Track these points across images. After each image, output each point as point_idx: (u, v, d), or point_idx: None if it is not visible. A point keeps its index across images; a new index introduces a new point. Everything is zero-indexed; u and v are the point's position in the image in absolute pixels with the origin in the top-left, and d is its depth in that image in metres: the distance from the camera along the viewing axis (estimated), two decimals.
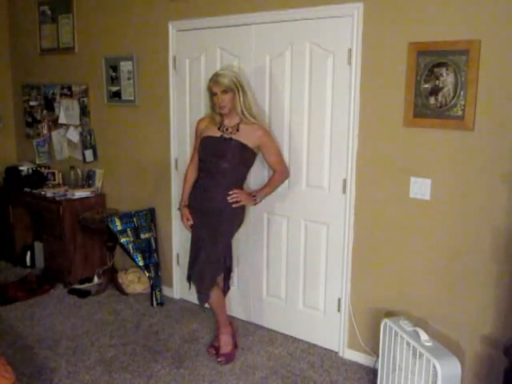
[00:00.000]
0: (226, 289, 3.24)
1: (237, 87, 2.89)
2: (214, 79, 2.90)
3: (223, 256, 3.04)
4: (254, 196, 3.02)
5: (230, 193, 2.92)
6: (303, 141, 3.20)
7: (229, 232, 3.06)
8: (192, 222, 3.05)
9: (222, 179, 2.93)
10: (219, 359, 3.11)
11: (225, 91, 2.86)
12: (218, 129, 2.97)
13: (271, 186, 3.07)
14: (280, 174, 3.08)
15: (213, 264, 2.99)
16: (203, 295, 3.04)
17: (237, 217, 3.05)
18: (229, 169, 2.92)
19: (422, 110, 2.69)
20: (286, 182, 3.30)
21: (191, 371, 3.03)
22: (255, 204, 3.08)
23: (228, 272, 3.19)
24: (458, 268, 2.70)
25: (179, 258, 4.03)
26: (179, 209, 3.17)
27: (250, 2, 3.27)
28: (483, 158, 2.55)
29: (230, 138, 2.93)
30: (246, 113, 2.93)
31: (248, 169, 3.07)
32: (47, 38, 4.71)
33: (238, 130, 2.94)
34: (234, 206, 2.93)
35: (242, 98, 2.91)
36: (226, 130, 2.95)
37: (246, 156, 2.96)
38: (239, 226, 3.14)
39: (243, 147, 2.92)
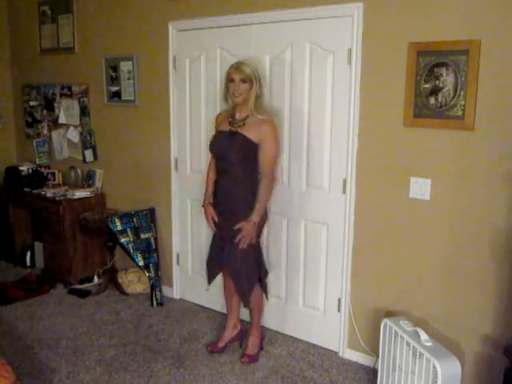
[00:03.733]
0: (265, 292, 3.21)
1: (256, 80, 2.86)
2: (236, 66, 2.87)
3: (251, 258, 2.98)
4: (251, 221, 2.87)
5: (240, 246, 2.87)
6: (303, 141, 3.20)
7: (261, 224, 3.01)
8: (217, 219, 3.02)
9: (235, 174, 2.89)
10: (242, 359, 3.12)
11: (243, 80, 2.82)
12: (229, 123, 2.94)
13: (260, 201, 2.88)
14: (264, 181, 2.88)
15: (247, 264, 2.95)
16: (247, 296, 3.01)
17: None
18: (237, 163, 2.87)
19: (422, 110, 2.69)
20: (286, 181, 3.31)
21: (191, 371, 3.03)
22: (255, 225, 2.91)
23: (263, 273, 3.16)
24: (457, 268, 2.70)
25: (179, 258, 4.03)
26: (203, 206, 3.13)
27: (250, 1, 3.27)
28: (483, 158, 2.55)
29: (236, 132, 2.88)
30: (254, 108, 2.87)
31: (257, 161, 2.91)
32: (47, 38, 4.71)
33: (244, 124, 2.88)
34: (243, 242, 2.87)
35: (256, 93, 2.87)
36: (236, 123, 2.91)
37: (251, 150, 2.87)
38: (264, 221, 3.07)
39: (247, 141, 2.85)
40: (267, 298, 3.25)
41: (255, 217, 2.87)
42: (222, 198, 2.97)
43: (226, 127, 2.95)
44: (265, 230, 3.29)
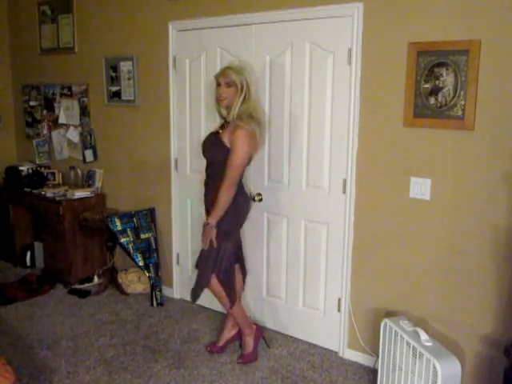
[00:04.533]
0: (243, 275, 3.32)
1: (241, 86, 2.82)
2: (223, 69, 2.90)
3: (224, 253, 2.95)
4: (209, 224, 2.86)
5: (203, 247, 2.95)
6: (303, 141, 3.20)
7: (230, 227, 2.96)
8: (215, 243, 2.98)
9: (215, 175, 2.89)
10: (238, 360, 3.13)
11: (228, 84, 2.83)
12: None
13: (216, 204, 2.82)
14: (222, 184, 2.79)
15: (209, 262, 2.94)
16: (197, 293, 3.04)
17: (236, 211, 2.94)
18: (215, 164, 2.89)
19: (422, 110, 2.69)
20: (286, 181, 3.31)
21: (191, 371, 3.03)
22: (211, 227, 2.87)
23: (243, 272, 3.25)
24: (457, 268, 2.70)
25: (179, 258, 4.03)
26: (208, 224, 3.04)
27: (250, 1, 3.27)
28: (483, 158, 2.55)
29: (217, 133, 2.92)
30: (237, 114, 2.82)
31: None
32: (47, 37, 4.71)
33: (225, 127, 2.90)
34: (208, 245, 2.90)
35: (240, 100, 2.82)
36: (221, 125, 2.96)
37: (223, 152, 2.82)
38: (243, 218, 3.07)
39: (220, 143, 2.84)
40: (233, 300, 3.05)
41: (211, 219, 2.85)
42: (207, 199, 2.99)
43: (216, 128, 3.00)
44: (243, 231, 3.26)
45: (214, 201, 2.84)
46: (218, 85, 2.88)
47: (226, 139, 2.84)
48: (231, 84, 2.83)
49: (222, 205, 2.82)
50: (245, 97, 2.84)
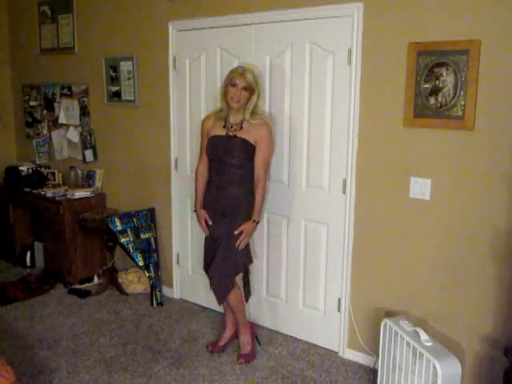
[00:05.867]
0: (246, 293, 3.20)
1: (257, 88, 2.91)
2: (240, 72, 2.87)
3: (241, 254, 3.00)
4: (254, 221, 2.96)
5: (237, 241, 2.92)
6: (303, 141, 3.20)
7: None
8: (211, 222, 3.03)
9: (234, 175, 2.94)
10: (239, 361, 3.12)
11: (245, 88, 2.84)
12: (224, 127, 2.96)
13: (259, 201, 2.96)
14: (261, 182, 2.96)
15: (230, 263, 2.97)
16: (221, 295, 3.02)
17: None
18: (237, 165, 2.92)
19: (422, 110, 2.69)
20: (286, 181, 3.31)
21: (191, 371, 3.03)
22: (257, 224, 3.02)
23: (246, 273, 3.17)
24: (457, 268, 2.70)
25: (179, 258, 4.03)
26: (195, 211, 3.14)
27: (250, 2, 3.27)
28: (483, 158, 2.55)
29: (235, 136, 2.92)
30: (249, 116, 2.91)
31: (253, 162, 2.97)
32: (47, 37, 4.71)
33: (241, 128, 2.92)
34: (244, 242, 2.96)
35: (255, 101, 2.91)
36: (231, 127, 2.94)
37: (250, 151, 2.93)
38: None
39: (245, 143, 2.91)
40: (247, 300, 3.20)
41: (257, 216, 2.96)
42: (221, 198, 2.98)
43: (220, 131, 2.97)
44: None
45: (238, 202, 2.93)
46: (233, 85, 2.85)
47: (249, 138, 2.90)
48: (248, 88, 2.85)
49: (263, 200, 3.01)
50: (257, 98, 2.93)
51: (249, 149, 2.92)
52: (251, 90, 2.87)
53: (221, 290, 3.01)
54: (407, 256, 2.87)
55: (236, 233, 2.92)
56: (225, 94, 2.91)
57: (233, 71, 2.93)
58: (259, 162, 2.94)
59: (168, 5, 3.71)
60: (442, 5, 2.57)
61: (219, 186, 2.98)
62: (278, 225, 3.41)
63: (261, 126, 2.93)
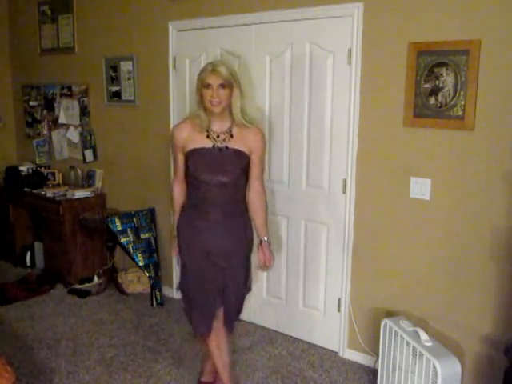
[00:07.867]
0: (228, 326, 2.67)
1: (236, 82, 2.39)
2: (210, 69, 2.35)
3: (250, 274, 2.68)
4: (267, 241, 2.60)
5: (263, 269, 2.64)
6: (303, 141, 3.20)
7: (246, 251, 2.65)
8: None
9: (221, 194, 2.43)
10: None
11: (222, 85, 2.33)
12: (207, 137, 2.41)
13: (266, 216, 2.60)
14: (262, 194, 2.55)
15: (246, 284, 2.64)
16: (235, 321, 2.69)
17: (249, 235, 2.63)
18: (229, 183, 2.41)
19: (422, 110, 2.69)
20: (286, 181, 3.31)
21: (191, 371, 3.03)
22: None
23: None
24: (457, 268, 2.70)
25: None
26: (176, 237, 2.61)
27: (249, 2, 3.27)
28: (483, 158, 2.55)
29: (226, 147, 2.40)
30: (241, 116, 2.42)
31: (248, 171, 2.53)
32: (47, 37, 4.71)
33: (232, 136, 2.42)
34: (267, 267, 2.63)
35: (239, 98, 2.41)
36: (218, 137, 2.41)
37: (245, 164, 2.46)
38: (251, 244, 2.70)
39: (241, 155, 2.43)
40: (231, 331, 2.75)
41: (267, 235, 2.60)
42: (213, 214, 2.45)
43: (204, 143, 2.40)
44: None
45: (238, 220, 2.53)
46: (207, 86, 2.34)
47: (243, 147, 2.43)
48: (226, 84, 2.34)
49: (266, 217, 2.60)
50: (240, 93, 2.42)
51: (243, 162, 2.44)
52: (230, 85, 2.35)
53: (237, 316, 2.70)
54: (407, 256, 2.87)
55: (259, 271, 2.62)
56: (200, 99, 2.41)
57: (202, 71, 2.41)
58: (257, 173, 2.50)
59: (168, 5, 3.71)
60: (442, 5, 2.57)
61: (207, 210, 2.44)
62: (278, 225, 3.40)
63: (253, 132, 2.46)
